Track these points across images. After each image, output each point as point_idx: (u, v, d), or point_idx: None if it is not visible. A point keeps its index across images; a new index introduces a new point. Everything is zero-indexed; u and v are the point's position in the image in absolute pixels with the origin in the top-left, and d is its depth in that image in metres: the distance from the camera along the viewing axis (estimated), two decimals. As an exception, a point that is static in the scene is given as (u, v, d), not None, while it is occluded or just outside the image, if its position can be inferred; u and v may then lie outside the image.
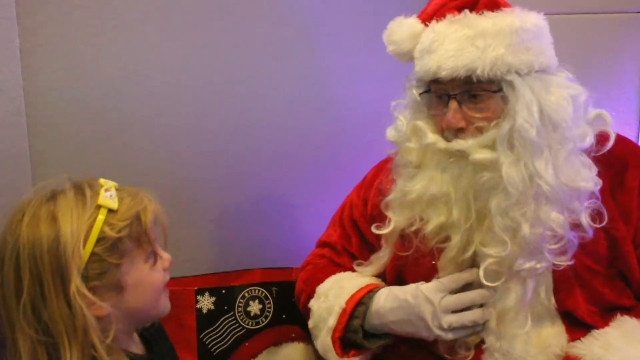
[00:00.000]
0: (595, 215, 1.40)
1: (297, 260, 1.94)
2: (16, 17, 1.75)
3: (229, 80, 1.99)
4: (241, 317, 1.89)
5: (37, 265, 1.14)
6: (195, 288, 1.87)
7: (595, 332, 1.45)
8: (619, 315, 1.47)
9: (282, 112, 2.05)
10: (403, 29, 1.45)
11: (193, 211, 2.03)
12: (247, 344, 1.90)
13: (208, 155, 2.00)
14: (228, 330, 1.88)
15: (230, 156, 2.03)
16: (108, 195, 1.20)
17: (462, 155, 1.39)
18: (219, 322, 1.88)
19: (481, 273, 1.39)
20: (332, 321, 1.53)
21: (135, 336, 1.33)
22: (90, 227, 1.16)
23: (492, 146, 1.36)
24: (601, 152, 1.42)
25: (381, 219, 1.53)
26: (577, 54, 2.10)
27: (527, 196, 1.34)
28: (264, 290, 1.92)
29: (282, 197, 2.09)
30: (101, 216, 1.17)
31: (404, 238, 1.50)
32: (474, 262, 1.42)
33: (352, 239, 1.68)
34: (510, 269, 1.38)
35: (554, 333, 1.45)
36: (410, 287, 1.47)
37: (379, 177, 1.57)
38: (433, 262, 1.47)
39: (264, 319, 1.91)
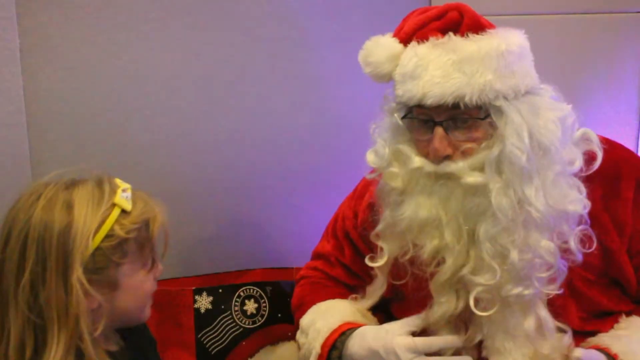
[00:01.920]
0: (586, 239, 1.37)
1: (297, 260, 1.94)
2: (16, 17, 1.76)
3: (229, 80, 1.99)
4: (238, 317, 1.90)
5: (44, 247, 1.18)
6: (193, 288, 1.88)
7: (606, 334, 1.44)
8: (623, 317, 1.46)
9: (282, 113, 2.05)
10: (380, 49, 1.38)
11: (193, 211, 2.03)
12: (244, 343, 1.90)
13: (208, 156, 2.01)
14: (225, 330, 1.89)
15: (230, 156, 2.03)
16: (124, 196, 1.24)
17: (450, 177, 1.35)
18: (217, 321, 1.88)
19: (471, 302, 1.36)
20: None
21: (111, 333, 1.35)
22: (103, 222, 1.20)
23: (481, 169, 1.33)
24: (589, 173, 1.39)
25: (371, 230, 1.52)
26: (577, 54, 2.10)
27: (516, 223, 1.31)
28: (259, 290, 1.92)
29: (282, 197, 2.09)
30: (114, 214, 1.22)
31: (398, 267, 1.47)
32: (464, 287, 1.39)
33: (345, 250, 1.67)
34: (499, 295, 1.35)
35: (550, 342, 1.45)
36: (384, 337, 1.44)
37: (369, 190, 1.55)
38: (430, 288, 1.44)
39: (260, 318, 1.91)
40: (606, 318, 1.47)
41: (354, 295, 1.62)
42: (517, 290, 1.33)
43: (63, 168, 1.30)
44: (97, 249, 1.20)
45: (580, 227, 1.37)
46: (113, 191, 1.24)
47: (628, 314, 1.48)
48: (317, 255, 1.75)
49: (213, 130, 2.00)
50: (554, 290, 1.36)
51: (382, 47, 1.39)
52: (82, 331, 1.18)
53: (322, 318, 1.56)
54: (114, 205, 1.22)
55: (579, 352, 1.36)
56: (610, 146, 1.50)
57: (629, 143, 2.13)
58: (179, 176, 1.99)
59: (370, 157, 1.46)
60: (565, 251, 1.36)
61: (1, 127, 1.77)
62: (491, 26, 1.37)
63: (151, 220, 1.26)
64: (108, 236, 1.20)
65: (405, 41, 1.37)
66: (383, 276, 1.51)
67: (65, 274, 1.17)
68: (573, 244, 1.35)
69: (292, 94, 2.05)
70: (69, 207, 1.20)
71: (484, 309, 1.37)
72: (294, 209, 2.10)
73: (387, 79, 1.41)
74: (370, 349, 1.44)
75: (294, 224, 2.11)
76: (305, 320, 1.60)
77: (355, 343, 1.48)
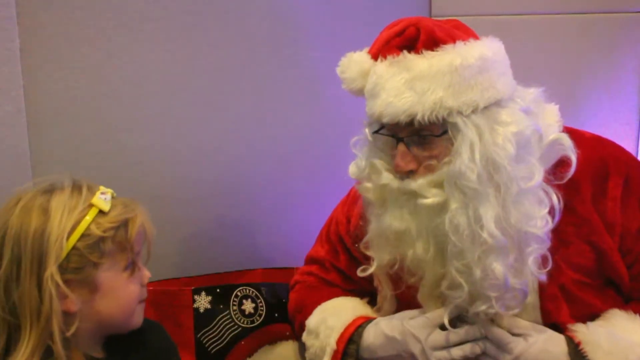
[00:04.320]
0: (544, 260, 1.37)
1: (297, 260, 1.94)
2: (16, 17, 1.76)
3: (229, 80, 1.99)
4: (236, 316, 1.90)
5: (19, 246, 1.19)
6: (192, 288, 1.88)
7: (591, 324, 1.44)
8: (610, 310, 1.46)
9: (282, 112, 2.05)
10: (352, 66, 1.41)
11: (193, 211, 2.03)
12: (243, 342, 1.90)
13: (208, 155, 2.01)
14: (224, 329, 1.89)
15: (230, 156, 2.03)
16: (103, 197, 1.25)
17: (414, 194, 1.36)
18: (216, 321, 1.88)
19: (446, 320, 1.38)
20: None
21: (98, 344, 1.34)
22: (78, 221, 1.21)
23: (441, 185, 1.34)
24: (564, 181, 1.38)
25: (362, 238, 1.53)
26: (577, 54, 2.10)
27: (474, 242, 1.31)
28: (254, 290, 1.92)
29: (282, 197, 2.09)
30: (91, 214, 1.23)
31: (393, 279, 1.49)
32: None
33: (340, 255, 1.67)
34: (470, 311, 1.37)
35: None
36: (397, 323, 1.46)
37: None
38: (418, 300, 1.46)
39: (258, 318, 1.91)
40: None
41: (367, 299, 1.63)
42: (483, 307, 1.35)
43: (62, 169, 1.31)
44: (74, 248, 1.20)
45: (538, 247, 1.35)
46: (92, 193, 1.25)
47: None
48: (311, 260, 1.75)
49: (213, 130, 2.00)
50: (514, 309, 1.37)
51: (354, 63, 1.42)
52: (53, 330, 1.19)
53: (332, 315, 1.57)
54: (91, 205, 1.23)
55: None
56: (598, 143, 1.50)
57: (629, 143, 2.13)
58: (179, 176, 1.99)
59: (352, 169, 1.49)
60: (522, 272, 1.36)
61: (1, 127, 1.77)
62: (451, 40, 1.34)
63: (130, 221, 1.26)
64: (84, 235, 1.21)
65: (374, 57, 1.39)
66: (384, 284, 1.52)
67: (39, 273, 1.18)
68: (531, 266, 1.35)
69: (292, 95, 2.05)
70: (44, 211, 1.21)
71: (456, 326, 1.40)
72: (294, 209, 2.10)
73: (362, 94, 1.43)
74: (386, 337, 1.46)
75: (294, 224, 2.11)
76: (312, 321, 1.60)
77: (371, 333, 1.49)
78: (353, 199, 1.65)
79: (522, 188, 1.33)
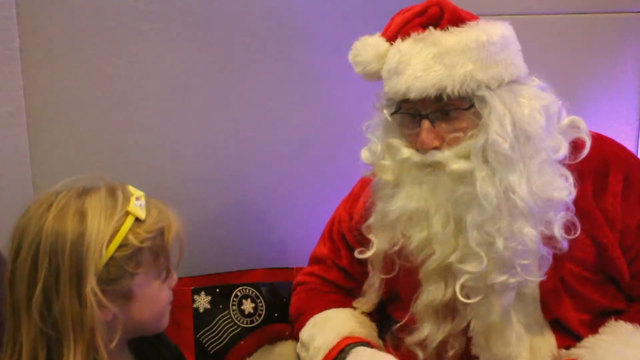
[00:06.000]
0: (570, 227, 1.38)
1: (297, 260, 1.94)
2: (16, 17, 1.76)
3: (229, 80, 1.99)
4: (236, 316, 1.90)
5: (57, 256, 1.14)
6: (192, 288, 1.88)
7: (591, 338, 1.44)
8: (612, 321, 1.46)
9: (281, 112, 2.05)
10: (368, 49, 1.42)
11: (193, 211, 2.02)
12: (242, 342, 1.90)
13: (208, 155, 2.01)
14: (224, 329, 1.89)
15: (230, 156, 2.03)
16: (138, 204, 1.20)
17: (437, 166, 1.37)
18: (215, 321, 1.89)
19: (457, 289, 1.37)
20: None
21: (126, 347, 1.32)
22: (116, 231, 1.16)
23: (467, 156, 1.35)
24: (577, 160, 1.40)
25: (365, 239, 1.52)
26: (577, 54, 2.11)
27: (502, 211, 1.32)
28: (254, 290, 1.92)
29: (282, 197, 2.09)
30: (128, 223, 1.18)
31: (387, 259, 1.48)
32: (453, 276, 1.40)
33: (341, 253, 1.67)
34: (485, 283, 1.36)
35: (544, 342, 1.45)
36: None
37: (365, 191, 1.56)
38: (419, 277, 1.44)
39: (257, 317, 1.91)
40: (604, 322, 1.47)
41: (357, 300, 1.63)
42: (502, 278, 1.35)
43: (66, 172, 1.26)
44: (111, 258, 1.16)
45: (565, 214, 1.37)
46: (127, 199, 1.20)
47: (619, 314, 1.48)
48: (314, 260, 1.75)
49: (213, 130, 2.00)
50: (538, 277, 1.38)
51: (369, 46, 1.43)
52: (98, 344, 1.15)
53: (320, 333, 1.57)
54: (127, 213, 1.18)
55: None
56: (600, 141, 1.50)
57: (629, 143, 2.13)
58: (179, 176, 1.99)
59: (365, 154, 1.49)
60: (550, 239, 1.37)
61: (1, 127, 1.77)
62: (473, 18, 1.39)
63: (166, 228, 1.22)
64: (122, 245, 1.16)
65: (391, 39, 1.41)
66: (376, 271, 1.52)
67: (79, 286, 1.13)
68: (557, 231, 1.36)
69: (292, 95, 2.05)
70: (81, 216, 1.16)
71: (469, 298, 1.38)
72: (294, 208, 2.10)
73: (377, 77, 1.44)
74: None
75: (295, 223, 2.11)
76: (305, 335, 1.60)
77: (357, 355, 1.48)
78: (356, 195, 1.66)
79: (551, 158, 1.36)
